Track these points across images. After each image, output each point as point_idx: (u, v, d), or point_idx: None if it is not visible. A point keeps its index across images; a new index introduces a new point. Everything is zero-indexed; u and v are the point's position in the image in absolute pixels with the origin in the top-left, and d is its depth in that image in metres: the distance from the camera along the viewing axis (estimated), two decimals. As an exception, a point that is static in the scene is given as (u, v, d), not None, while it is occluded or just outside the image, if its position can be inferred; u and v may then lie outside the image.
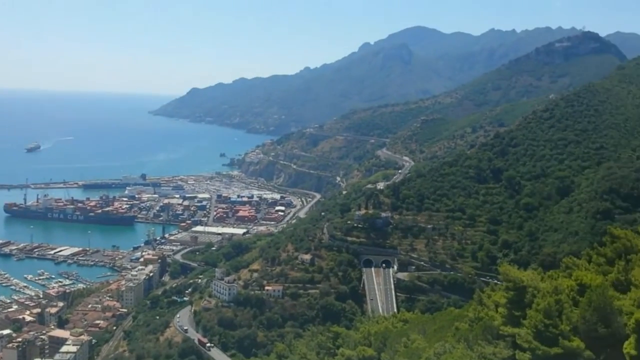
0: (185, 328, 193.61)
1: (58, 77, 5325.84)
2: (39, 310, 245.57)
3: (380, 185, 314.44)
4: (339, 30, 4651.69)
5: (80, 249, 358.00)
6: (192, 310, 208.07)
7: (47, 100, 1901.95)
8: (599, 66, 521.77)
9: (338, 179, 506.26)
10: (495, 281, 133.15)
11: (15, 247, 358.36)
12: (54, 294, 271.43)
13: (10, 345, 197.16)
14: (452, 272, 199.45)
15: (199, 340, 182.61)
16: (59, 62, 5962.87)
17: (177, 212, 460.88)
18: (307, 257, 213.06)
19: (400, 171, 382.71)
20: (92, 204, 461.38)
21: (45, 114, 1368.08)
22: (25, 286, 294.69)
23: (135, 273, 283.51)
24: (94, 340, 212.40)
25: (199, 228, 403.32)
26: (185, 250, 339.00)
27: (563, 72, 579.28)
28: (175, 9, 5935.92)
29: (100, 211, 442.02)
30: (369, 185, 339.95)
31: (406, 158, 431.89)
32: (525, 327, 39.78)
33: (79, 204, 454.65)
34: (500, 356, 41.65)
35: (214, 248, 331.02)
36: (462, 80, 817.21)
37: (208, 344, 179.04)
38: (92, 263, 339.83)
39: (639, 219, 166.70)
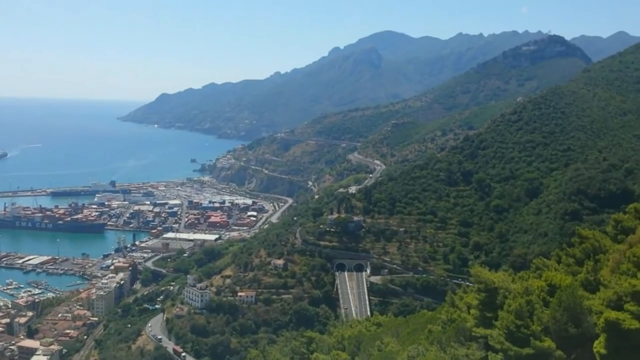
0: (160, 337, 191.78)
1: (24, 83, 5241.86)
2: (7, 320, 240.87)
3: (352, 189, 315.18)
4: (308, 35, 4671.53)
5: (50, 257, 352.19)
6: (165, 318, 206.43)
7: (14, 107, 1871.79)
8: (565, 69, 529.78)
9: (310, 183, 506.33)
10: (467, 283, 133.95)
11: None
12: (23, 303, 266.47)
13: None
14: (424, 275, 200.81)
15: (174, 350, 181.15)
16: (25, 69, 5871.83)
17: (148, 218, 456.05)
18: (280, 262, 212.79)
19: (371, 175, 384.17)
20: (61, 211, 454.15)
21: (12, 121, 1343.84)
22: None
23: (105, 281, 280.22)
24: (64, 350, 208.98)
25: (170, 235, 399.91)
26: (157, 257, 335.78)
27: (530, 75, 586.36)
28: (144, 15, 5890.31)
29: (69, 219, 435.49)
30: (341, 190, 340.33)
31: (377, 162, 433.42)
32: (497, 328, 40.08)
33: (48, 212, 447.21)
34: (472, 358, 41.95)
35: (185, 255, 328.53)
36: (432, 84, 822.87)
37: (182, 354, 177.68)
38: (61, 272, 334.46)
39: (606, 220, 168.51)
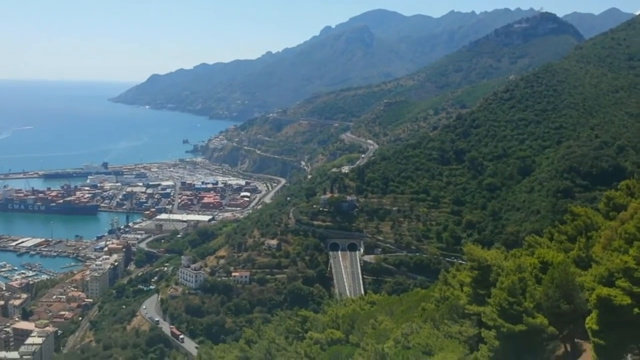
0: (157, 319, 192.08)
1: (15, 65, 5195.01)
2: (2, 302, 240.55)
3: (345, 169, 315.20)
4: (300, 14, 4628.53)
5: (43, 239, 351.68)
6: (159, 299, 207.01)
7: (4, 89, 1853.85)
8: (557, 46, 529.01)
9: (303, 163, 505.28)
10: (460, 261, 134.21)
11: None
12: (17, 285, 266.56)
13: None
14: (417, 254, 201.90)
15: (172, 332, 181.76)
16: (16, 50, 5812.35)
17: (141, 200, 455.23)
18: (274, 242, 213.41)
19: (364, 155, 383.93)
20: (54, 194, 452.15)
21: (3, 103, 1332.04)
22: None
23: (99, 263, 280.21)
24: (59, 332, 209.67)
25: (163, 216, 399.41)
26: (150, 239, 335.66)
27: (522, 53, 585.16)
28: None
29: (62, 201, 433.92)
30: (334, 169, 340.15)
31: (370, 141, 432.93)
32: (490, 305, 40.24)
33: (40, 194, 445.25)
34: (466, 335, 42.30)
35: (179, 235, 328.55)
36: (424, 63, 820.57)
37: (181, 336, 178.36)
38: (55, 254, 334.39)
39: (598, 197, 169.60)
